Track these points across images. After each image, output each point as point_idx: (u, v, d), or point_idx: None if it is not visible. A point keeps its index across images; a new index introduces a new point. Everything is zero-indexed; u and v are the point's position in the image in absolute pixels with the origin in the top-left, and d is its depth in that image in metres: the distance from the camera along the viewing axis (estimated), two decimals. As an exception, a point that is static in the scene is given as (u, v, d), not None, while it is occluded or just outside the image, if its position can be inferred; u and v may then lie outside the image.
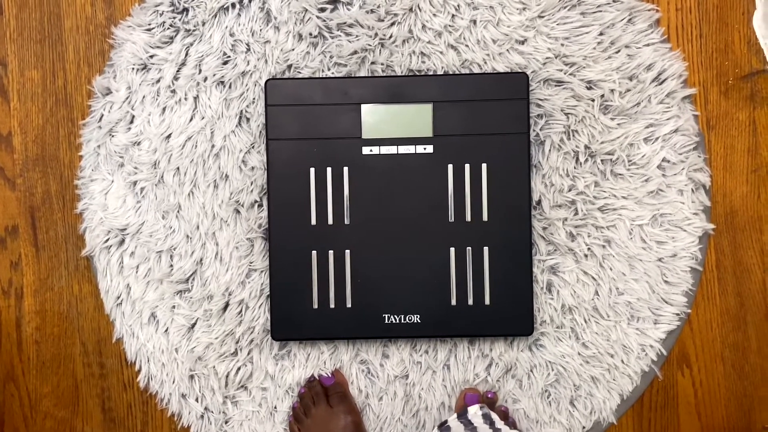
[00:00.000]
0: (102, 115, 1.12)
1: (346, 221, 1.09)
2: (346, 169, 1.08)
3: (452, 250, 1.08)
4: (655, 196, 1.11)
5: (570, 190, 1.11)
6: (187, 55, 1.11)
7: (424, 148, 1.08)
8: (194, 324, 1.12)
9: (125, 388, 1.14)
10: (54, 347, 1.14)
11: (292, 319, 1.09)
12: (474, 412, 1.05)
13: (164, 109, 1.11)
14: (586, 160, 1.11)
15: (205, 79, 1.11)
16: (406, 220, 1.08)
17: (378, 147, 1.08)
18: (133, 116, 1.12)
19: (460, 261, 1.08)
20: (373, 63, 1.11)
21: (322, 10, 1.11)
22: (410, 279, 1.09)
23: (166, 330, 1.12)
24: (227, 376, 1.12)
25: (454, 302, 1.08)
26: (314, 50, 1.11)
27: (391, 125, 1.08)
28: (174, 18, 1.11)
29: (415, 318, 1.08)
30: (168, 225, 1.12)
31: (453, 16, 1.11)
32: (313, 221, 1.09)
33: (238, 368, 1.12)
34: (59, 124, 1.13)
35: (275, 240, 1.09)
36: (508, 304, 1.09)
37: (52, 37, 1.13)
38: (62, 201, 1.14)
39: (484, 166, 1.08)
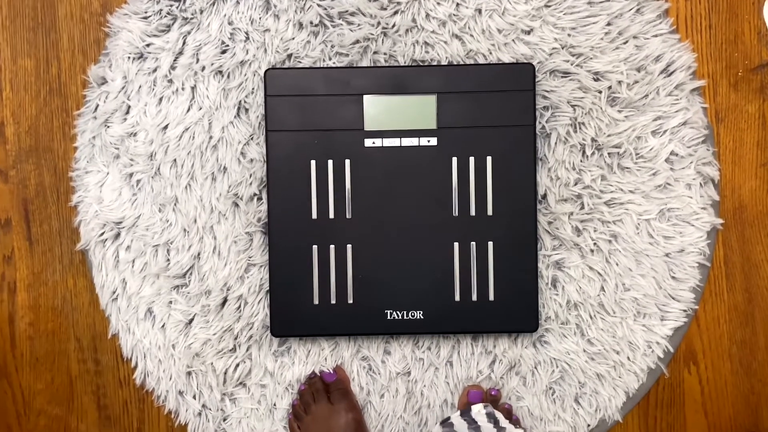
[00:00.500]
0: (97, 106, 1.09)
1: (348, 215, 1.06)
2: (347, 161, 1.06)
3: (456, 245, 1.06)
4: (663, 190, 1.09)
5: (576, 184, 1.09)
6: (184, 43, 1.08)
7: (428, 141, 1.06)
8: (192, 320, 1.10)
9: (121, 385, 1.12)
10: (48, 343, 1.11)
11: (293, 315, 1.07)
12: (478, 410, 1.02)
13: (161, 99, 1.09)
14: (593, 153, 1.09)
15: (203, 68, 1.08)
16: (409, 215, 1.06)
17: (381, 139, 1.06)
18: (129, 106, 1.09)
19: (464, 256, 1.06)
20: (375, 53, 1.08)
21: (324, -2, 1.08)
22: (413, 274, 1.07)
23: (163, 326, 1.10)
24: (225, 373, 1.10)
25: (457, 298, 1.06)
26: (315, 39, 1.08)
27: (394, 117, 1.05)
28: (171, 6, 1.08)
29: (418, 314, 1.06)
30: (165, 218, 1.09)
31: (457, 5, 1.08)
32: (314, 215, 1.06)
33: (237, 365, 1.10)
34: (53, 115, 1.10)
35: (275, 234, 1.06)
36: (513, 300, 1.07)
37: (45, 24, 1.10)
38: (56, 193, 1.11)
39: (488, 159, 1.06)
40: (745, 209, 1.11)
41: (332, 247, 1.06)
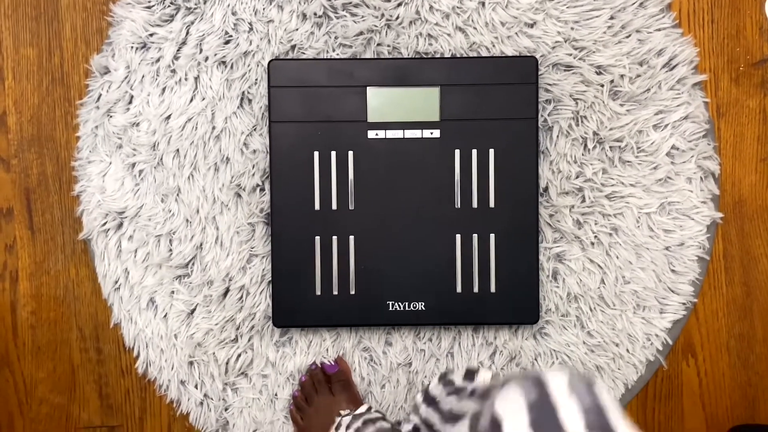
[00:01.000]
0: (100, 95, 1.09)
1: (351, 206, 1.07)
2: (350, 153, 1.06)
3: (458, 237, 1.06)
4: (664, 183, 1.09)
5: (577, 177, 1.09)
6: (187, 33, 1.08)
7: (431, 133, 1.06)
8: (194, 310, 1.10)
9: (123, 374, 1.12)
10: (50, 332, 1.12)
11: (294, 306, 1.07)
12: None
13: (164, 89, 1.08)
14: (595, 147, 1.09)
15: (206, 58, 1.08)
16: (412, 206, 1.06)
17: (384, 131, 1.06)
18: (132, 96, 1.09)
19: (465, 248, 1.07)
20: (379, 45, 1.08)
21: (328, -11, 1.08)
22: (415, 266, 1.07)
23: (165, 315, 1.10)
24: (227, 363, 1.10)
25: (459, 290, 1.07)
26: (319, 30, 1.08)
27: (397, 109, 1.06)
28: (174, -5, 1.08)
29: (420, 305, 1.07)
30: (167, 208, 1.09)
31: (461, -3, 1.08)
32: (317, 206, 1.06)
33: (239, 355, 1.10)
34: (55, 104, 1.10)
35: (277, 225, 1.07)
36: (514, 292, 1.07)
37: (48, 13, 1.10)
38: (58, 183, 1.11)
39: (491, 151, 1.06)
40: (744, 203, 1.11)
41: (335, 238, 1.07)
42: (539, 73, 1.08)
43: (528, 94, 1.06)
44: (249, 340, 1.10)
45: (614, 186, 1.09)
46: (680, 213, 1.10)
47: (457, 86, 1.06)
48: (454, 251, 1.07)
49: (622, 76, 1.08)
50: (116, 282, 1.10)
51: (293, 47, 1.08)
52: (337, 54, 1.08)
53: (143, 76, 1.08)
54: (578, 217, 1.09)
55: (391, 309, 1.07)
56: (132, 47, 1.08)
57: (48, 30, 1.10)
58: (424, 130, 1.06)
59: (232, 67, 1.08)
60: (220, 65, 1.08)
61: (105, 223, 1.10)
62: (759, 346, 1.12)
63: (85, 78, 1.10)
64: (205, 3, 1.08)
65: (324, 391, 1.08)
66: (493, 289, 1.07)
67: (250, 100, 1.09)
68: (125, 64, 1.08)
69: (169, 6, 1.08)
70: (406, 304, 1.07)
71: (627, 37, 1.09)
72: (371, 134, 1.06)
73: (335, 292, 1.07)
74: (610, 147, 1.09)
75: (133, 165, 1.09)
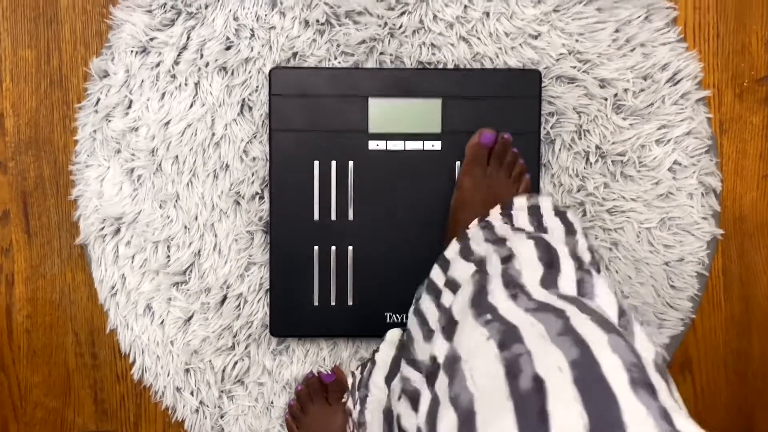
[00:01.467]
0: (98, 99, 1.08)
1: (350, 217, 1.06)
2: (351, 163, 1.05)
3: (458, 249, 1.06)
4: (665, 199, 1.09)
5: (579, 191, 1.09)
6: (188, 38, 1.07)
7: (432, 145, 1.05)
8: (191, 317, 1.10)
9: (118, 379, 1.12)
10: (45, 336, 1.11)
11: (292, 316, 1.07)
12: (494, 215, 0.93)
13: (163, 94, 1.07)
14: (597, 161, 1.09)
15: (207, 64, 1.07)
16: (412, 218, 1.06)
17: (385, 142, 1.05)
18: (131, 101, 1.08)
19: (465, 261, 1.06)
20: (381, 53, 1.07)
21: (331, -4, 1.07)
22: (414, 278, 1.05)
23: (162, 322, 1.10)
24: (224, 371, 1.10)
25: (457, 302, 1.06)
26: (321, 38, 1.07)
27: (399, 120, 1.05)
28: (175, 0, 1.07)
29: (418, 318, 1.06)
30: (165, 215, 1.09)
31: (465, 6, 1.07)
32: (316, 216, 1.06)
33: (235, 362, 1.10)
34: (53, 107, 1.09)
35: (276, 234, 1.06)
36: (512, 305, 1.07)
37: (47, 15, 1.08)
38: (56, 186, 1.10)
39: (492, 164, 1.05)
40: (745, 220, 1.11)
41: (333, 248, 1.06)
42: (542, 85, 1.07)
43: (531, 108, 1.06)
44: (246, 348, 1.10)
45: (615, 200, 1.09)
46: (681, 228, 1.10)
47: (459, 98, 1.05)
48: (454, 264, 1.06)
49: (626, 90, 1.07)
50: (113, 287, 1.10)
51: (295, 54, 1.07)
52: (339, 62, 1.07)
53: (143, 81, 1.07)
54: (578, 231, 1.09)
55: (388, 321, 1.07)
56: (132, 51, 1.07)
57: (47, 32, 1.08)
58: (425, 142, 1.05)
59: (232, 73, 1.07)
60: (220, 71, 1.07)
61: (102, 228, 1.09)
62: (756, 363, 1.12)
63: (84, 81, 1.09)
64: (206, 8, 1.07)
65: (320, 400, 1.07)
66: (491, 302, 1.06)
67: (250, 108, 1.08)
68: (125, 68, 1.07)
69: (170, 10, 1.07)
70: (404, 316, 1.07)
71: (632, 50, 1.08)
72: (372, 145, 1.05)
73: (333, 303, 1.07)
74: (613, 161, 1.08)
75: (132, 170, 1.08)
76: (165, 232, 1.09)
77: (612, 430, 0.50)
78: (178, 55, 1.07)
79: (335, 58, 1.07)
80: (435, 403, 0.63)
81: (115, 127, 1.08)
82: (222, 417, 1.11)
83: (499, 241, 0.80)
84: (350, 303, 1.07)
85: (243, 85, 1.07)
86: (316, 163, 1.05)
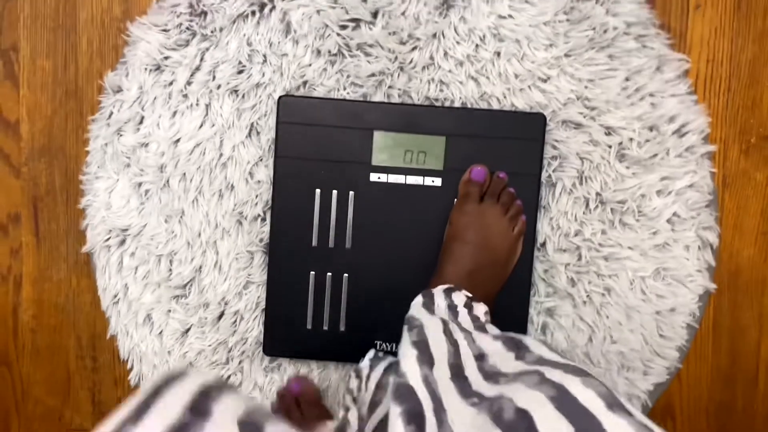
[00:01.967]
0: (111, 113, 1.10)
1: (347, 245, 1.08)
2: (351, 193, 1.07)
3: (451, 286, 1.08)
4: (661, 249, 1.10)
5: (576, 235, 1.10)
6: (202, 60, 1.09)
7: (433, 181, 1.07)
8: (188, 329, 1.13)
9: (116, 383, 1.16)
10: (49, 337, 1.15)
11: (285, 337, 1.10)
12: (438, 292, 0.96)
13: (175, 113, 1.10)
14: (596, 207, 1.09)
15: (219, 86, 1.09)
16: (408, 250, 1.08)
17: (386, 175, 1.07)
18: (143, 117, 1.10)
19: (457, 298, 1.08)
20: (390, 87, 1.08)
21: (344, 27, 1.07)
22: (405, 308, 1.08)
23: (161, 332, 1.13)
24: (217, 383, 1.13)
25: (447, 337, 1.08)
26: (331, 68, 1.08)
27: (401, 154, 1.06)
28: (191, 21, 1.08)
29: (407, 350, 1.09)
30: (170, 230, 1.12)
31: (477, 46, 1.07)
32: (314, 242, 1.08)
33: (228, 377, 1.13)
34: (68, 116, 1.12)
35: (275, 257, 1.09)
36: (501, 343, 1.09)
37: (66, 26, 1.10)
38: (66, 194, 1.13)
39: (491, 205, 1.07)
40: (740, 275, 1.12)
41: (329, 275, 1.09)
42: (548, 128, 1.07)
43: (533, 151, 1.06)
44: (239, 363, 1.13)
45: (612, 247, 1.10)
46: (674, 279, 1.10)
47: (463, 136, 1.06)
48: (446, 300, 1.08)
49: (631, 139, 1.08)
50: (115, 296, 1.13)
51: (305, 83, 1.09)
52: (348, 93, 1.08)
53: (155, 98, 1.09)
54: (573, 275, 1.10)
55: (378, 348, 1.09)
56: (146, 69, 1.09)
57: (65, 43, 1.11)
58: (426, 178, 1.07)
59: (243, 97, 1.09)
60: (231, 94, 1.09)
61: (108, 239, 1.12)
62: (738, 415, 1.14)
63: (98, 93, 1.11)
64: (221, 31, 1.08)
65: (295, 413, 1.09)
66: (480, 338, 1.09)
67: (258, 132, 1.10)
68: (138, 85, 1.09)
69: (185, 31, 1.08)
70: (394, 345, 1.09)
71: (640, 100, 1.08)
72: (373, 177, 1.07)
73: (325, 327, 1.09)
74: (612, 209, 1.09)
75: (140, 184, 1.11)
76: (169, 246, 1.12)
77: None
78: (191, 76, 1.09)
79: (344, 89, 1.09)
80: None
81: (126, 142, 1.10)
82: (212, 427, 1.15)
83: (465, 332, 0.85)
84: (342, 329, 1.09)
85: (252, 109, 1.09)
86: (318, 191, 1.07)
